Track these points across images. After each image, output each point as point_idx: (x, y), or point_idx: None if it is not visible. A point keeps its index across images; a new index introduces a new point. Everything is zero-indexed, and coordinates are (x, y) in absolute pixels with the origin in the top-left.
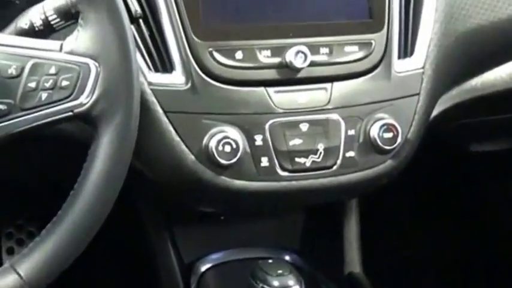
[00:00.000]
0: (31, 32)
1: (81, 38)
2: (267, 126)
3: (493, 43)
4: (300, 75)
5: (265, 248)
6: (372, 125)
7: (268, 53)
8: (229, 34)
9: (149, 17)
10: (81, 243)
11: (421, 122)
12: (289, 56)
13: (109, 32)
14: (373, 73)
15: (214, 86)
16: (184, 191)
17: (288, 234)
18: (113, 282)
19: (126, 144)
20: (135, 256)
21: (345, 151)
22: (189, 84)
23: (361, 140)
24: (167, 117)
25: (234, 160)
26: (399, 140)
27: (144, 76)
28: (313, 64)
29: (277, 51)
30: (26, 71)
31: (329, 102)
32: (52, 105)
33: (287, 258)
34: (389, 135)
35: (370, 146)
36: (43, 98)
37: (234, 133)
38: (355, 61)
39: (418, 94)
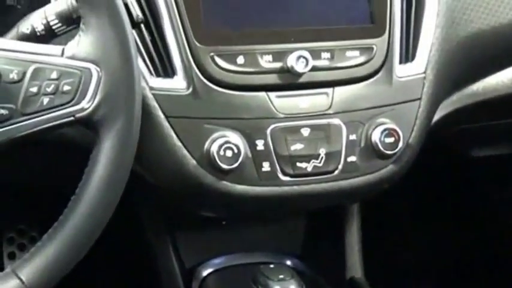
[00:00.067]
0: (33, 37)
1: (83, 43)
2: (268, 131)
3: (494, 47)
4: (302, 80)
5: (267, 253)
6: (373, 129)
7: (269, 57)
8: (230, 39)
9: (151, 21)
10: (83, 248)
11: (423, 127)
12: (291, 60)
13: (110, 37)
14: (374, 78)
15: (215, 90)
16: (186, 195)
17: (290, 238)
18: (114, 286)
19: (127, 149)
20: (136, 260)
21: (347, 156)
22: (191, 89)
23: (362, 144)
24: (169, 122)
25: (236, 165)
26: (400, 144)
27: (146, 81)
28: (314, 69)
29: (279, 56)
30: (28, 75)
31: (330, 107)
32: (53, 110)
33: (288, 263)
34: (390, 140)
35: (371, 151)
36: (45, 103)
37: (235, 138)
38: (356, 66)
39: (419, 99)
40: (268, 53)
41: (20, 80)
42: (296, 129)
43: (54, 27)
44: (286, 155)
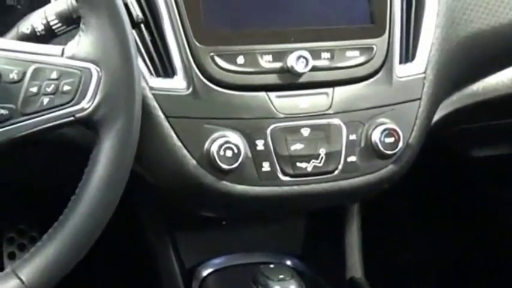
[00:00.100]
0: (33, 37)
1: (83, 43)
2: (268, 131)
3: (494, 47)
4: (302, 80)
5: (267, 253)
6: (373, 129)
7: (269, 57)
8: (230, 39)
9: (151, 21)
10: (83, 248)
11: (423, 127)
12: (291, 60)
13: (110, 37)
14: (374, 78)
15: (215, 90)
16: (186, 195)
17: (290, 238)
18: (114, 286)
19: (127, 149)
20: (136, 261)
21: (347, 156)
22: (191, 89)
23: (362, 144)
24: (169, 122)
25: (236, 165)
26: (400, 144)
27: (146, 81)
28: (314, 69)
29: (279, 56)
30: (28, 75)
31: (330, 107)
32: (53, 110)
33: (288, 263)
34: (390, 140)
35: (371, 151)
36: (45, 103)
37: (235, 138)
38: (356, 66)
39: (419, 99)
40: (268, 53)
41: (20, 80)
42: (296, 129)
43: (54, 27)
44: (286, 155)
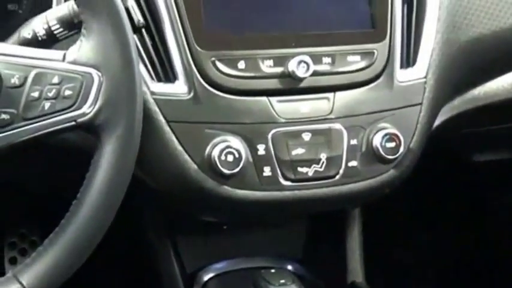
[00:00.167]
0: (34, 42)
1: (84, 48)
2: (269, 135)
3: (495, 51)
4: (303, 84)
5: (268, 258)
6: (374, 134)
7: (270, 62)
8: (231, 44)
9: (152, 26)
10: (84, 252)
11: (424, 132)
12: (292, 65)
13: (112, 42)
14: (375, 83)
15: (216, 95)
16: (187, 200)
17: (291, 243)
18: None
19: (129, 153)
20: (138, 265)
21: (348, 161)
22: (192, 94)
23: (363, 149)
24: (170, 126)
25: (237, 169)
26: (401, 149)
27: (147, 86)
28: (315, 74)
29: (280, 60)
30: (29, 80)
31: (331, 111)
32: (55, 114)
33: (289, 267)
34: (391, 144)
35: (372, 156)
36: (46, 108)
37: (236, 142)
38: (357, 71)
39: (420, 104)
40: (269, 58)
41: (22, 85)
42: (297, 134)
43: (55, 32)
44: (287, 160)
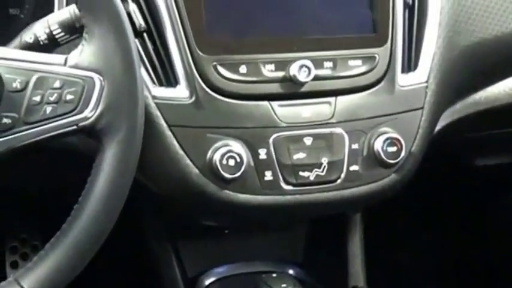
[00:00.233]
0: (36, 46)
1: (86, 52)
2: (271, 140)
3: (496, 55)
4: (304, 89)
5: (269, 262)
6: (375, 138)
7: (272, 67)
8: (233, 48)
9: (153, 31)
10: (85, 257)
11: (425, 136)
12: (293, 70)
13: (113, 46)
14: (376, 87)
15: (218, 100)
16: (188, 204)
17: (292, 247)
18: None
19: (130, 157)
20: (139, 269)
21: (349, 165)
22: (193, 98)
23: (365, 153)
24: (171, 131)
25: (238, 174)
26: (403, 153)
27: (148, 90)
28: (317, 78)
29: (281, 65)
30: (31, 84)
31: (333, 116)
32: (56, 119)
33: (291, 272)
34: (393, 149)
35: (374, 160)
36: (47, 112)
37: (238, 147)
38: (359, 75)
39: (421, 108)
40: (270, 62)
41: (23, 89)
42: (299, 138)
43: (57, 37)
44: (289, 164)
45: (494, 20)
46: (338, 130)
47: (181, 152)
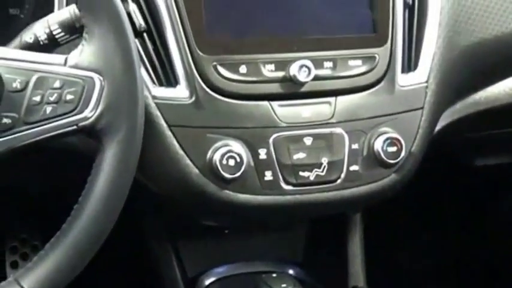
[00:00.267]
0: (36, 46)
1: (86, 52)
2: (271, 140)
3: (496, 55)
4: (304, 89)
5: (269, 262)
6: (375, 138)
7: (272, 67)
8: (233, 48)
9: (153, 31)
10: (85, 257)
11: (425, 136)
12: (293, 70)
13: (113, 46)
14: (376, 87)
15: (218, 100)
16: (188, 204)
17: (292, 247)
18: None
19: (130, 157)
20: (139, 269)
21: (349, 165)
22: (193, 98)
23: (365, 153)
24: (171, 131)
25: (238, 174)
26: (403, 153)
27: (148, 90)
28: (317, 78)
29: (281, 65)
30: (31, 84)
31: (333, 116)
32: (56, 119)
33: (291, 272)
34: (393, 149)
35: (374, 160)
36: (47, 112)
37: (238, 147)
38: (359, 75)
39: (421, 108)
40: (270, 62)
41: (23, 89)
42: (299, 138)
43: (57, 37)
44: (289, 164)
45: (494, 20)
46: (338, 130)
47: (181, 152)
